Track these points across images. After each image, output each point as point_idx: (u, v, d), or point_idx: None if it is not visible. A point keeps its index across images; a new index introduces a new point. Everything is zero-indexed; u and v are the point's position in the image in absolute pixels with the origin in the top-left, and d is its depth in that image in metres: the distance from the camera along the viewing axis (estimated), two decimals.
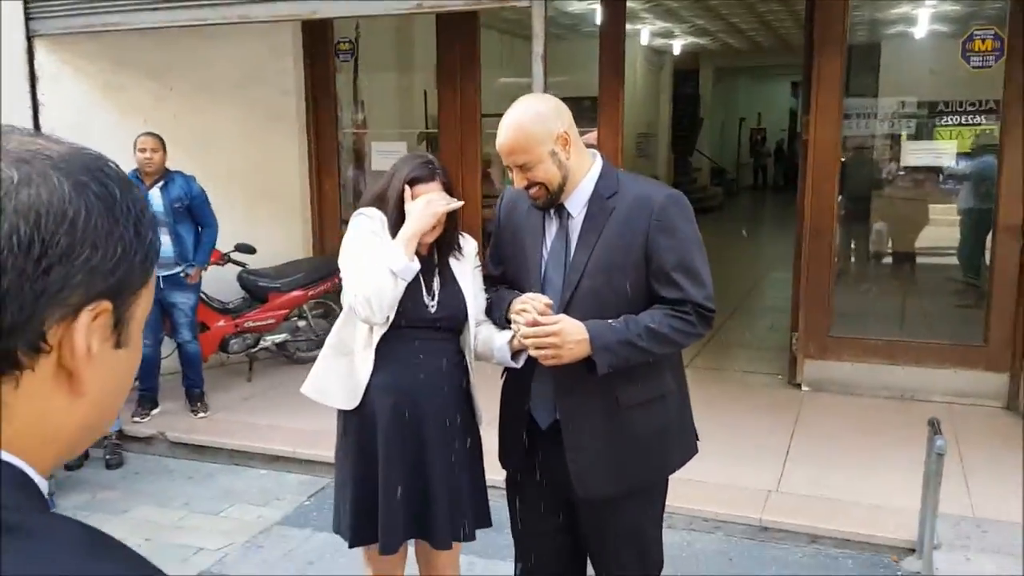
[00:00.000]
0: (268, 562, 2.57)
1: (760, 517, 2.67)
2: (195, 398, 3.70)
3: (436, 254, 1.70)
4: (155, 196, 3.47)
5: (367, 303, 1.56)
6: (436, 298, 1.67)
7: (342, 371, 1.69)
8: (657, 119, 10.59)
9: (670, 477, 1.63)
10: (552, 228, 1.56)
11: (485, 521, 1.75)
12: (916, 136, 4.02)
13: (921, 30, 4.29)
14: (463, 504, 1.69)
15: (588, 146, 1.57)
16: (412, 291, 1.62)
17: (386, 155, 4.45)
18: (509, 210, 1.64)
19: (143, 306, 0.48)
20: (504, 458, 1.67)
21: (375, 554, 1.71)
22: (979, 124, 3.82)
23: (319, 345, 4.21)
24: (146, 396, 3.64)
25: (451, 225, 1.69)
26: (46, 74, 3.78)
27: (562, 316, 1.45)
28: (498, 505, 1.74)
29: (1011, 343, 3.64)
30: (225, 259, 3.96)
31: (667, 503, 1.67)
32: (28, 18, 3.68)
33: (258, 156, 4.36)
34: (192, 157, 3.80)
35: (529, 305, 1.46)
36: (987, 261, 3.81)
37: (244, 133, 4.31)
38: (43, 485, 0.44)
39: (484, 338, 1.64)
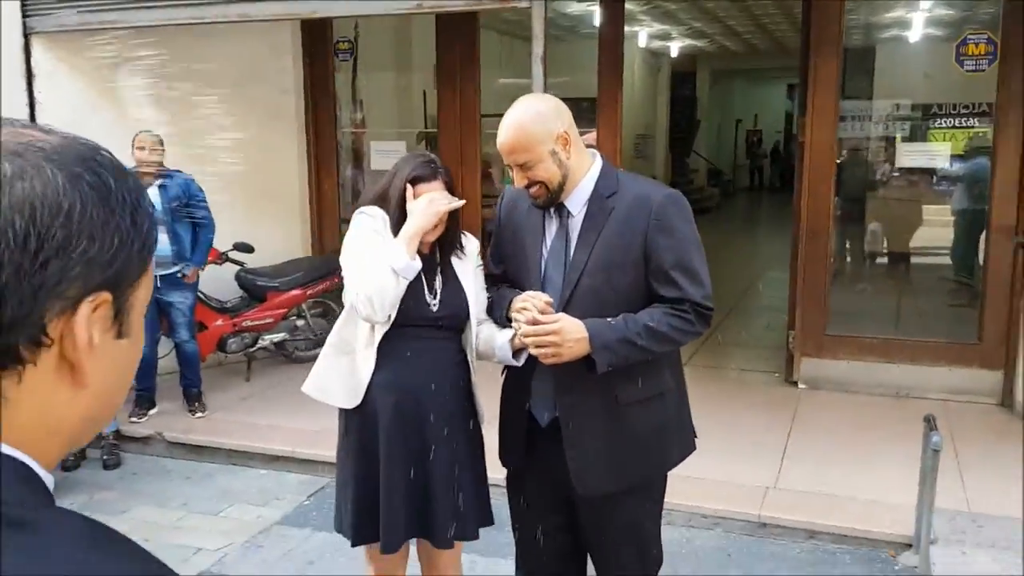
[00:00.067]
0: (268, 562, 2.57)
1: (758, 513, 2.69)
2: (193, 398, 3.70)
3: (438, 253, 1.71)
4: (153, 195, 3.46)
5: (368, 302, 1.57)
6: (438, 297, 1.67)
7: (343, 370, 1.70)
8: (655, 121, 10.62)
9: (669, 474, 1.65)
10: (552, 227, 1.57)
11: (487, 520, 1.75)
12: (911, 138, 4.05)
13: (915, 34, 4.33)
14: (465, 503, 1.69)
15: (587, 146, 1.59)
16: (414, 290, 1.62)
17: (385, 155, 4.45)
18: (509, 209, 1.65)
19: (143, 295, 0.48)
20: (504, 456, 1.68)
21: (377, 553, 1.71)
22: (972, 127, 3.86)
23: (318, 344, 4.25)
24: (143, 396, 3.63)
25: (453, 224, 1.69)
26: (43, 72, 3.77)
27: (561, 315, 1.46)
28: (499, 503, 1.75)
29: (1005, 341, 3.67)
30: (223, 258, 3.95)
31: (666, 500, 1.68)
32: (25, 15, 3.67)
33: (257, 155, 4.35)
34: (190, 156, 3.80)
35: (529, 303, 1.47)
36: (980, 261, 3.85)
37: (243, 132, 4.30)
38: (48, 479, 0.44)
39: (486, 337, 1.65)
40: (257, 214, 4.33)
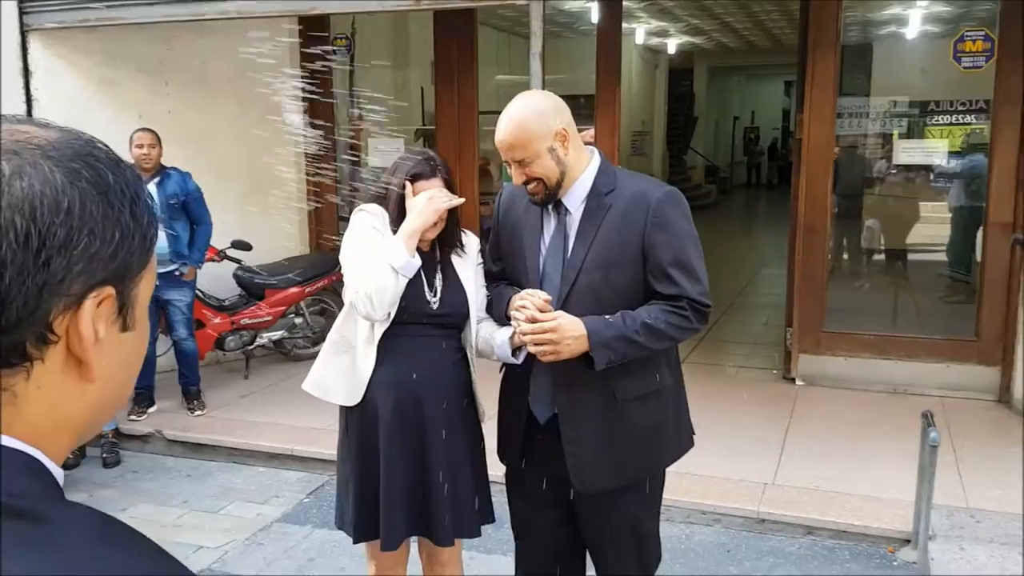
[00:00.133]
0: (268, 559, 2.57)
1: (757, 509, 2.70)
2: (192, 396, 3.69)
3: (438, 250, 1.71)
4: (151, 192, 3.45)
5: (368, 299, 1.57)
6: (438, 294, 1.67)
7: (344, 367, 1.70)
8: (652, 117, 10.62)
9: (667, 471, 1.65)
10: (550, 224, 1.57)
11: (488, 517, 1.75)
12: (908, 135, 4.06)
13: (913, 31, 4.33)
14: (466, 500, 1.69)
15: (585, 144, 1.59)
16: (414, 287, 1.62)
17: (383, 151, 4.45)
18: (508, 206, 1.65)
19: (146, 288, 0.48)
20: (503, 453, 1.68)
21: (377, 550, 1.71)
22: (969, 123, 3.87)
23: (316, 342, 4.25)
24: (142, 394, 3.63)
25: (452, 221, 1.69)
26: (40, 68, 3.76)
27: (560, 312, 1.46)
28: (498, 500, 1.75)
29: (1002, 337, 3.68)
30: (221, 256, 3.94)
31: (665, 496, 1.69)
32: (22, 12, 3.66)
33: (254, 152, 4.35)
34: (188, 153, 3.79)
35: (528, 301, 1.47)
36: (977, 257, 3.86)
37: (240, 129, 4.29)
38: (58, 474, 0.44)
39: (485, 335, 1.65)
40: (255, 212, 4.32)
